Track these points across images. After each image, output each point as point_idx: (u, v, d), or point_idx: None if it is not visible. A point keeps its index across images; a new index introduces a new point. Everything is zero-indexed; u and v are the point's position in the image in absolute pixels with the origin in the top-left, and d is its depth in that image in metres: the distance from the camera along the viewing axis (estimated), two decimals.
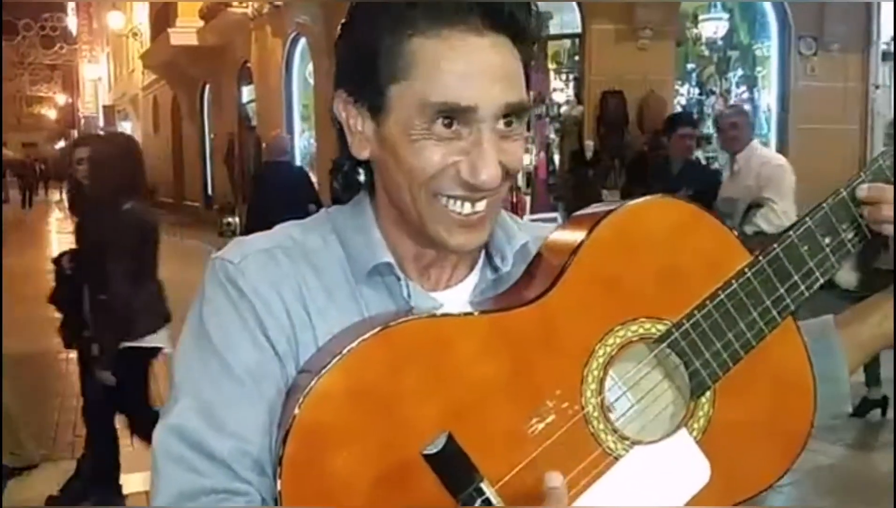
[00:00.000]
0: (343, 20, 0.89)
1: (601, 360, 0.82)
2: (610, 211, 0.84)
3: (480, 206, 0.85)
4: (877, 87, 10.19)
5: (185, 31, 16.55)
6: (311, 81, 13.49)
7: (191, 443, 0.81)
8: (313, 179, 7.71)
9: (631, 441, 0.83)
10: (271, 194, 6.84)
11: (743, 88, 10.17)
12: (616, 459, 0.82)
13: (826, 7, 9.69)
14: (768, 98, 10.18)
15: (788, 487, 4.00)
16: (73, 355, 6.98)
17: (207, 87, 19.34)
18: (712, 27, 9.57)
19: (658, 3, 8.87)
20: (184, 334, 0.88)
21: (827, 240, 0.88)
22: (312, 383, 0.74)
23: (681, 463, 0.83)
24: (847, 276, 5.11)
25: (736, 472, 0.82)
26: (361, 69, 0.85)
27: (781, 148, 9.90)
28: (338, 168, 0.93)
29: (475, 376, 0.78)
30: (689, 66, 10.08)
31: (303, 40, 13.64)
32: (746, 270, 0.86)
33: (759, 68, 10.19)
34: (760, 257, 0.86)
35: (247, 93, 16.74)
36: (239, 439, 0.81)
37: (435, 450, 0.75)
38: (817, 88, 9.83)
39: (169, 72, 19.67)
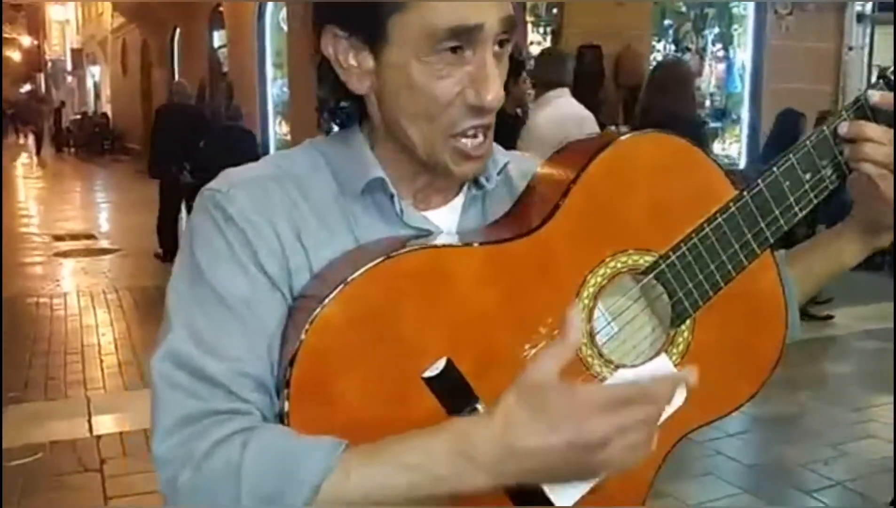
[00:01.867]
0: None
1: (591, 290, 0.86)
2: (605, 144, 0.86)
3: (482, 139, 0.87)
4: (850, 48, 10.25)
5: None
6: (285, 27, 13.26)
7: (188, 369, 0.81)
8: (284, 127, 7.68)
9: (615, 365, 0.88)
10: (171, 136, 7.80)
11: (719, 45, 10.19)
12: (601, 381, 0.86)
13: None
14: (743, 56, 10.21)
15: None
16: (44, 299, 6.96)
17: (178, 31, 18.94)
18: None
19: None
20: (175, 266, 0.88)
21: (808, 176, 0.92)
22: (318, 310, 0.77)
23: None
24: None
25: (710, 393, 0.86)
26: (361, 4, 0.84)
27: (754, 106, 9.98)
28: (323, 104, 0.93)
29: (473, 304, 0.81)
30: (667, 22, 10.06)
31: None
32: (731, 204, 0.89)
33: (735, 26, 10.20)
34: (745, 193, 0.90)
35: (218, 38, 16.43)
36: (235, 361, 0.81)
37: (434, 373, 0.79)
38: (792, 48, 9.87)
39: (139, 15, 19.21)
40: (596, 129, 3.73)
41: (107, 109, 28.17)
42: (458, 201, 0.96)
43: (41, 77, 45.42)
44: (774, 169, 0.91)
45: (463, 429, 0.74)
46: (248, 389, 0.81)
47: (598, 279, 0.86)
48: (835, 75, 10.33)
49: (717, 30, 10.19)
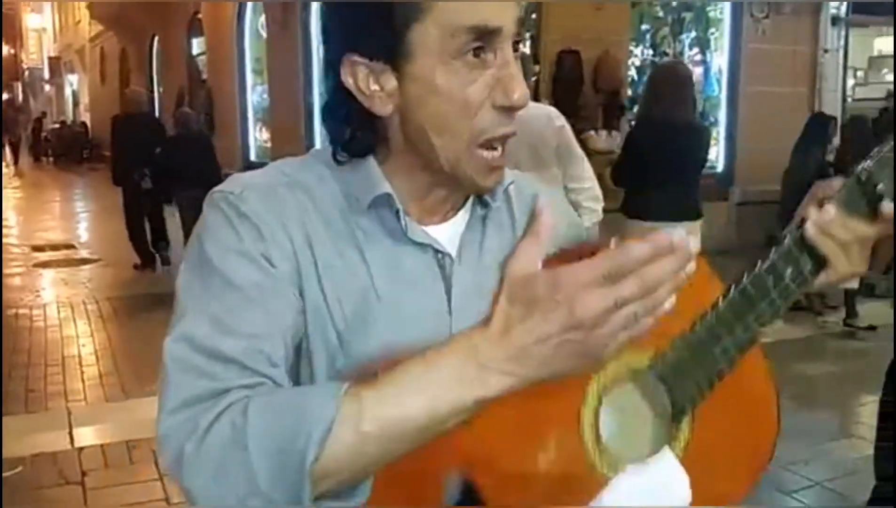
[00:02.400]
0: None
1: (597, 390, 0.88)
2: (595, 249, 0.89)
3: (502, 151, 0.89)
4: (825, 51, 10.37)
5: None
6: (264, 33, 13.24)
7: (203, 350, 0.80)
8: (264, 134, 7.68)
9: (620, 462, 0.89)
10: (129, 144, 7.99)
11: (696, 49, 10.27)
12: (608, 479, 0.88)
13: None
14: (720, 60, 10.30)
15: None
16: (24, 310, 6.90)
17: (157, 38, 18.86)
18: None
19: None
20: (184, 262, 0.88)
21: (789, 271, 0.93)
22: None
23: (665, 482, 0.89)
24: None
25: (710, 488, 0.88)
26: (374, 22, 0.84)
27: (732, 109, 10.07)
28: (338, 136, 0.92)
29: (491, 419, 0.79)
30: (644, 27, 10.13)
31: None
32: (720, 301, 0.91)
33: (712, 30, 10.28)
34: (732, 289, 0.92)
35: (197, 45, 16.37)
36: (250, 338, 0.81)
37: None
38: (768, 51, 9.97)
39: (117, 23, 19.12)
40: (563, 121, 3.74)
41: (85, 117, 27.98)
42: (462, 217, 0.97)
43: (18, 86, 45.03)
44: (758, 266, 0.93)
45: (465, 340, 0.73)
46: (264, 364, 0.80)
47: (603, 380, 0.88)
48: (811, 78, 10.44)
49: (693, 34, 10.27)
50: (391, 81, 0.86)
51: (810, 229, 0.93)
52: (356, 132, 0.90)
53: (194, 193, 7.72)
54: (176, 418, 0.77)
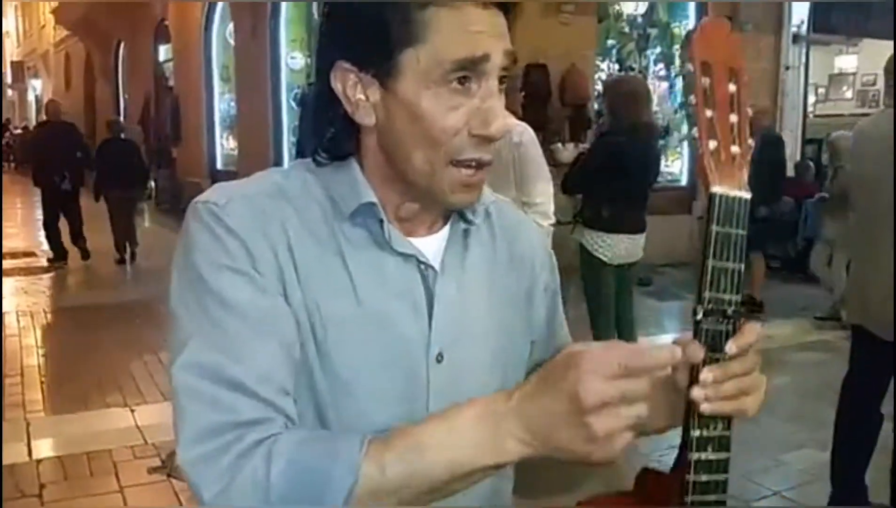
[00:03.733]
0: None
1: None
2: None
3: (479, 172, 0.91)
4: (787, 68, 10.57)
5: None
6: (232, 41, 13.18)
7: (212, 377, 0.81)
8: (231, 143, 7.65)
9: None
10: (48, 150, 9.05)
11: (660, 65, 10.41)
12: None
13: None
14: None
15: None
16: None
17: (123, 44, 18.68)
18: (633, 4, 9.74)
19: None
20: (175, 282, 0.88)
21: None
22: None
23: None
24: None
25: None
26: (369, 38, 0.87)
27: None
28: (320, 136, 0.95)
29: None
30: (610, 42, 10.25)
31: None
32: None
33: (676, 46, 10.43)
34: None
35: (164, 52, 16.25)
36: (259, 364, 0.82)
37: None
38: None
39: (82, 28, 18.89)
40: (523, 138, 3.78)
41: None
42: (444, 232, 0.99)
43: None
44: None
45: (489, 405, 0.77)
46: (274, 392, 0.82)
47: None
48: (773, 94, 10.62)
49: (659, 50, 10.42)
50: (376, 94, 0.89)
51: (703, 405, 0.83)
52: (338, 135, 0.93)
53: (122, 193, 8.96)
54: (196, 450, 0.79)
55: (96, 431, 4.30)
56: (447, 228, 0.99)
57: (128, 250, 9.44)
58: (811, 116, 12.21)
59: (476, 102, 0.87)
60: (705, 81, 0.78)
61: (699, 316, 0.81)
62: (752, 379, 0.86)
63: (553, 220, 3.94)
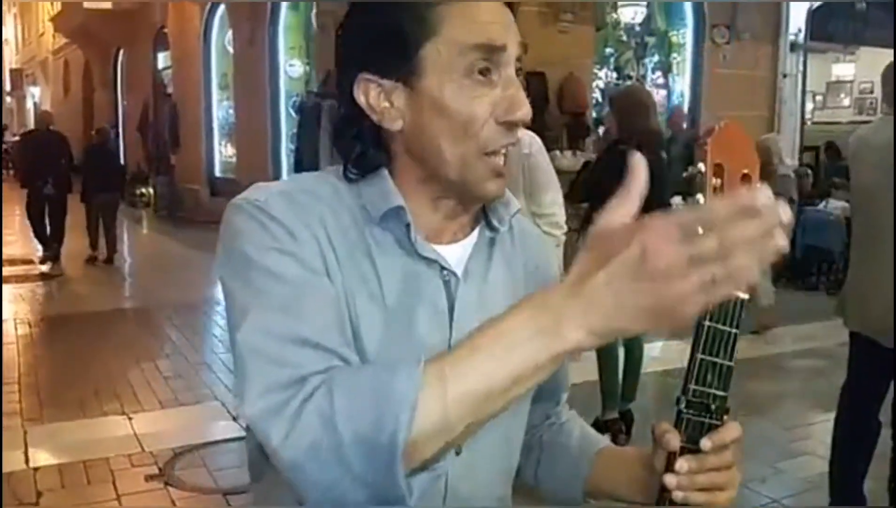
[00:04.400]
0: (349, 13, 0.94)
1: None
2: None
3: (504, 160, 0.93)
4: (784, 75, 10.60)
5: None
6: (231, 49, 13.20)
7: (278, 337, 0.81)
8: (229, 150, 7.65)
9: None
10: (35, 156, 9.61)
11: (658, 73, 10.45)
12: None
13: None
14: (682, 84, 10.48)
15: None
16: None
17: (122, 52, 18.70)
18: (631, 13, 9.78)
19: None
20: (224, 271, 0.89)
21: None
22: None
23: None
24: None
25: None
26: (386, 45, 0.90)
27: (693, 131, 10.24)
28: (350, 151, 0.95)
29: None
30: (608, 50, 10.29)
31: (222, 7, 13.32)
32: None
33: (674, 55, 10.48)
34: None
35: (162, 59, 16.27)
36: (319, 322, 0.83)
37: None
38: (729, 76, 10.17)
39: (81, 36, 18.92)
40: (532, 149, 3.78)
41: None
42: (470, 240, 1.00)
43: None
44: None
45: (537, 298, 0.74)
46: (337, 342, 0.82)
47: None
48: (770, 101, 10.66)
49: (656, 58, 10.46)
50: (401, 97, 0.91)
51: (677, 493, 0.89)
52: (367, 149, 0.94)
53: (103, 196, 9.72)
54: (263, 402, 0.78)
55: (93, 439, 4.29)
56: (473, 236, 1.01)
57: (105, 250, 9.98)
58: (809, 123, 12.25)
59: (498, 92, 0.90)
60: (716, 181, 0.78)
61: (682, 406, 0.84)
62: (728, 475, 0.90)
63: (565, 229, 3.93)
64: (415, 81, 0.90)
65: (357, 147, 0.95)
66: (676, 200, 4.05)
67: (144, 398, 4.97)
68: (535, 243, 1.12)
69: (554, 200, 3.84)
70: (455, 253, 0.98)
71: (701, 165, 0.77)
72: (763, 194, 0.64)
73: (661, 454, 0.89)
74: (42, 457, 4.13)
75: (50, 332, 6.80)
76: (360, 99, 0.92)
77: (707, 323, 0.81)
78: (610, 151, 4.35)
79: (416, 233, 0.94)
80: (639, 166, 0.73)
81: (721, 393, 0.84)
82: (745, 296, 0.78)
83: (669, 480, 0.85)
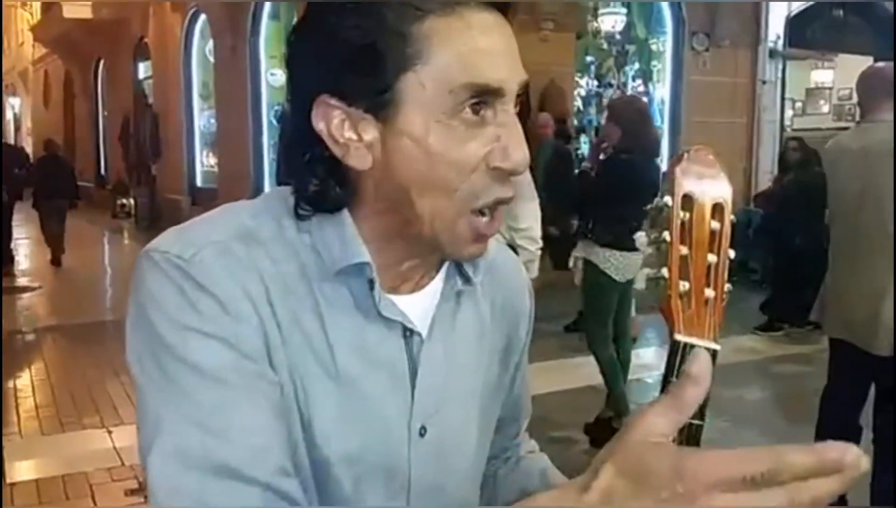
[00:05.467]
0: (308, 12, 0.78)
1: None
2: None
3: (494, 219, 0.79)
4: (764, 82, 10.69)
5: (79, 4, 15.86)
6: (212, 59, 13.16)
7: (196, 462, 0.67)
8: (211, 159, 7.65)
9: None
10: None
11: (639, 81, 10.51)
12: None
13: (718, 5, 10.09)
14: (662, 91, 10.54)
15: None
16: None
17: (102, 62, 18.60)
18: (611, 21, 9.83)
19: None
20: (132, 341, 0.74)
21: None
22: None
23: None
24: None
25: None
26: (356, 64, 0.73)
27: (674, 139, 10.31)
28: (304, 185, 0.78)
29: None
30: (589, 58, 10.33)
31: (203, 17, 13.29)
32: None
33: (654, 62, 10.54)
34: None
35: (143, 69, 16.19)
36: (251, 442, 0.68)
37: None
38: (709, 83, 10.24)
39: (61, 46, 18.80)
40: None
41: (27, 141, 27.38)
42: (435, 286, 0.86)
43: None
44: None
45: (552, 498, 0.59)
46: (272, 472, 0.68)
47: None
48: (750, 108, 10.74)
49: (637, 66, 10.52)
50: (371, 132, 0.75)
51: None
52: (324, 185, 0.77)
53: (53, 202, 10.38)
54: None
55: (72, 453, 4.24)
56: (437, 284, 0.86)
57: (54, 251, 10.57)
58: (788, 130, 12.34)
59: (493, 131, 0.74)
60: (684, 214, 0.68)
61: None
62: None
63: (540, 244, 3.92)
64: (389, 115, 0.74)
65: (312, 181, 0.77)
66: (639, 236, 4.06)
67: (124, 412, 4.91)
68: (507, 274, 0.97)
69: (531, 212, 3.83)
70: (418, 305, 0.84)
71: (668, 198, 0.68)
72: (851, 450, 0.52)
73: None
74: (20, 472, 4.08)
75: (28, 345, 6.72)
76: (319, 126, 0.75)
77: (674, 380, 0.75)
78: (612, 161, 4.36)
79: (379, 290, 0.79)
80: (701, 365, 0.57)
81: (699, 422, 0.79)
82: (717, 346, 0.67)
83: None
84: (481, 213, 0.77)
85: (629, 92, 9.97)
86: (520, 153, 0.75)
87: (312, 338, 0.77)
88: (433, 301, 0.85)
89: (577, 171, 7.79)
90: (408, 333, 0.82)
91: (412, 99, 0.73)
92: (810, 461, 0.51)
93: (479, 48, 0.73)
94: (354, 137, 0.75)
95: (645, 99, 9.16)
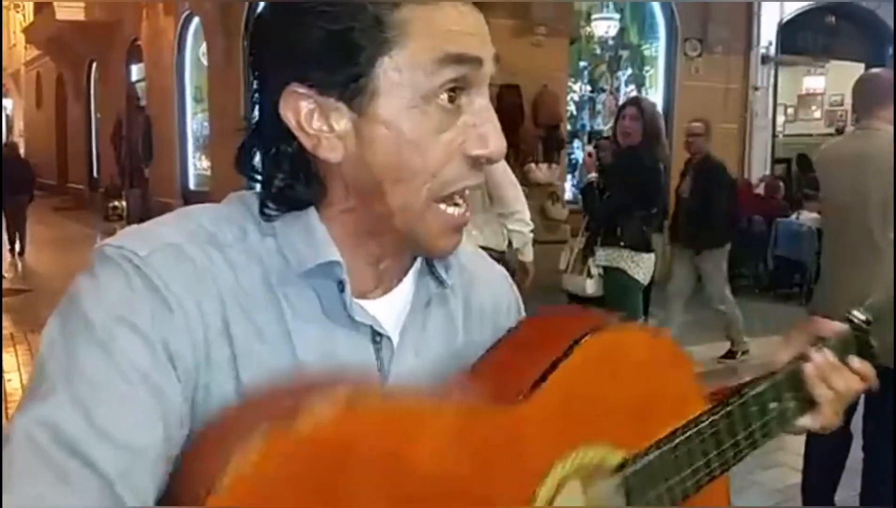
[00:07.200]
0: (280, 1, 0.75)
1: (556, 477, 0.79)
2: (591, 326, 0.82)
3: (465, 208, 0.78)
4: (756, 88, 10.72)
5: (72, 6, 15.83)
6: (205, 61, 13.14)
7: (66, 443, 0.63)
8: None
9: None
10: None
11: (632, 86, 10.52)
12: None
13: (711, 12, 10.13)
14: (655, 97, 10.57)
15: None
16: None
17: (95, 64, 18.56)
18: (604, 26, 9.85)
19: (553, 2, 9.07)
20: (59, 316, 0.70)
21: (773, 405, 0.92)
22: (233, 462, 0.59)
23: None
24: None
25: None
26: (328, 52, 0.70)
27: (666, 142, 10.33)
28: (269, 181, 0.76)
29: (431, 471, 0.68)
30: (582, 63, 10.35)
31: (196, 19, 13.26)
32: (703, 420, 0.87)
33: (647, 68, 10.56)
34: (715, 412, 0.88)
35: (136, 72, 16.16)
36: (128, 451, 0.64)
37: None
38: (701, 89, 10.27)
39: (54, 48, 18.75)
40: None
41: (19, 143, 27.30)
42: (406, 289, 0.83)
43: None
44: (747, 391, 0.91)
45: None
46: (129, 492, 0.63)
47: (567, 467, 0.79)
48: (742, 113, 10.77)
49: (630, 71, 10.54)
50: (343, 122, 0.73)
51: (810, 370, 0.92)
52: (291, 180, 0.75)
53: (13, 199, 11.10)
54: None
55: None
56: (407, 287, 0.83)
57: (17, 243, 11.57)
58: (780, 135, 12.38)
59: (468, 119, 0.74)
60: None
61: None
62: None
63: (532, 226, 3.96)
64: (364, 103, 0.71)
65: (279, 176, 0.75)
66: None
67: None
68: (480, 272, 0.94)
69: (516, 196, 3.88)
70: (389, 309, 0.81)
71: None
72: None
73: None
74: None
75: (18, 348, 6.69)
76: (288, 117, 0.73)
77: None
78: (630, 155, 4.36)
79: (349, 292, 0.75)
80: None
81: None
82: None
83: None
84: (453, 203, 0.76)
85: (622, 97, 9.98)
86: (498, 140, 0.75)
87: (276, 348, 0.73)
88: (404, 306, 0.82)
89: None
90: (377, 338, 0.79)
91: (387, 85, 0.71)
92: None
93: (454, 29, 0.72)
94: (325, 127, 0.73)
95: (619, 101, 9.21)
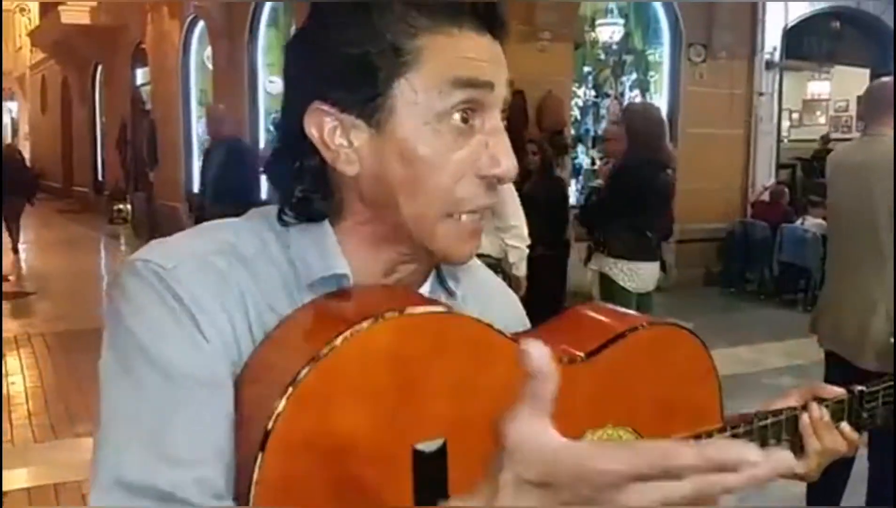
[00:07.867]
0: (306, 25, 0.81)
1: None
2: (646, 322, 0.91)
3: (480, 216, 0.82)
4: (760, 94, 10.71)
5: (77, 9, 15.88)
6: (210, 65, 13.16)
7: (139, 491, 0.66)
8: None
9: None
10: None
11: (636, 91, 10.51)
12: None
13: (715, 17, 10.11)
14: (660, 102, 10.56)
15: None
16: None
17: (100, 68, 18.61)
18: (609, 32, 9.85)
19: (557, 6, 9.06)
20: (106, 347, 0.74)
21: (772, 441, 0.99)
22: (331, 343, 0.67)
23: None
24: None
25: None
26: (350, 74, 0.76)
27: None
28: (289, 191, 0.80)
29: (493, 399, 0.69)
30: (586, 68, 10.35)
31: (201, 23, 13.29)
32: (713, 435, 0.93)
33: (651, 73, 10.55)
34: (725, 433, 0.95)
35: (141, 75, 16.20)
36: (198, 465, 0.67)
37: (427, 450, 0.72)
38: (706, 94, 10.25)
39: (59, 51, 18.81)
40: None
41: (24, 146, 27.38)
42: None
43: None
44: (755, 423, 0.98)
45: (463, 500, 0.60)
46: (209, 497, 0.68)
47: (594, 440, 0.85)
48: (747, 119, 10.75)
49: (634, 76, 10.52)
50: (362, 137, 0.77)
51: (806, 420, 1.01)
52: (310, 191, 0.80)
53: (10, 200, 11.19)
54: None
55: (65, 461, 4.21)
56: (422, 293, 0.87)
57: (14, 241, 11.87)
58: (785, 140, 12.37)
59: (481, 139, 0.77)
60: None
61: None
62: None
63: (528, 241, 3.99)
64: (381, 120, 0.76)
65: (299, 187, 0.80)
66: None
67: None
68: (492, 289, 0.98)
69: (515, 212, 3.91)
70: None
71: None
72: (753, 450, 0.52)
73: None
74: (11, 481, 4.05)
75: (22, 351, 6.70)
76: (312, 132, 0.78)
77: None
78: (619, 170, 4.35)
79: None
80: (536, 362, 0.56)
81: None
82: None
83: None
84: (467, 214, 0.80)
85: (625, 102, 9.98)
86: (509, 161, 0.78)
87: None
88: None
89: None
90: None
91: (403, 104, 0.76)
92: (698, 462, 0.51)
93: (469, 56, 0.77)
94: (345, 142, 0.78)
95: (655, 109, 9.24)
